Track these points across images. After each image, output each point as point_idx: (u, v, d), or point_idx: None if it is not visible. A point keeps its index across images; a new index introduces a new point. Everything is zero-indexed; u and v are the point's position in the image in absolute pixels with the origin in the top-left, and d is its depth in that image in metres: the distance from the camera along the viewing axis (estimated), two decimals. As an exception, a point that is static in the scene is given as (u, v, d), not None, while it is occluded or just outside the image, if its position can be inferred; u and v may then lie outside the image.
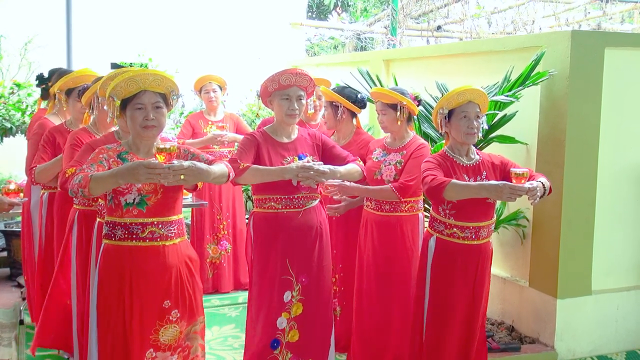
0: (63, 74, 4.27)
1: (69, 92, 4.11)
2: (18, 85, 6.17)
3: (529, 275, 4.48)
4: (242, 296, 5.43)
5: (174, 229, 2.86)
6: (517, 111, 4.26)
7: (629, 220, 4.53)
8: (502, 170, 3.39)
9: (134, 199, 2.77)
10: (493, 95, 4.14)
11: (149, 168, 2.53)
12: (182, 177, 2.61)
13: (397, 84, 4.69)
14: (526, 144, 4.43)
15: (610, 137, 4.33)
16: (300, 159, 3.39)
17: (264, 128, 3.51)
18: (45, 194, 4.25)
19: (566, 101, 4.13)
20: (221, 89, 5.60)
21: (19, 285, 5.55)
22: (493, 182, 3.19)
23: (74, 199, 3.71)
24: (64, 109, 4.26)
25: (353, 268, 4.04)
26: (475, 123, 3.32)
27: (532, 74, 4.17)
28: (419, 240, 3.76)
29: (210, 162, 2.85)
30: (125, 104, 2.80)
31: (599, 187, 4.31)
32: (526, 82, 4.16)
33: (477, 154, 3.45)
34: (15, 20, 7.76)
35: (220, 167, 2.86)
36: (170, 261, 2.83)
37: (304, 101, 3.42)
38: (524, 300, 4.49)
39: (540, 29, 9.19)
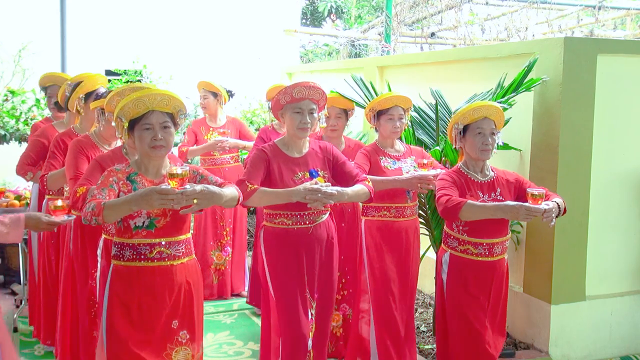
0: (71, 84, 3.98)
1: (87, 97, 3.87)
2: (12, 92, 6.17)
3: (523, 281, 4.50)
4: (237, 303, 5.43)
5: (182, 249, 2.85)
6: (510, 118, 4.28)
7: (623, 225, 4.55)
8: (517, 188, 3.38)
9: (144, 222, 2.76)
10: (487, 102, 4.17)
11: (161, 194, 2.52)
12: (195, 201, 2.59)
13: (390, 91, 4.71)
14: (520, 150, 4.45)
15: (603, 144, 4.35)
16: (311, 174, 3.34)
17: (275, 141, 3.45)
18: (46, 199, 4.22)
19: (559, 107, 4.15)
20: (216, 96, 5.53)
21: (13, 293, 5.53)
22: (509, 202, 3.18)
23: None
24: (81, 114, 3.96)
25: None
26: (490, 139, 3.31)
27: (525, 81, 4.19)
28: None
29: (220, 185, 2.83)
30: (133, 124, 2.77)
31: (593, 193, 4.33)
32: (519, 89, 4.18)
33: (492, 170, 3.44)
34: (9, 26, 7.76)
35: (232, 191, 2.84)
36: (179, 280, 2.82)
37: (315, 114, 3.36)
38: (518, 306, 4.50)
39: (533, 35, 9.23)
